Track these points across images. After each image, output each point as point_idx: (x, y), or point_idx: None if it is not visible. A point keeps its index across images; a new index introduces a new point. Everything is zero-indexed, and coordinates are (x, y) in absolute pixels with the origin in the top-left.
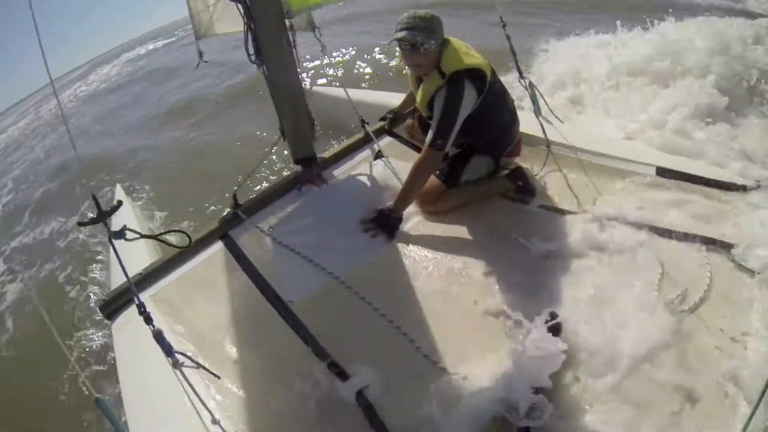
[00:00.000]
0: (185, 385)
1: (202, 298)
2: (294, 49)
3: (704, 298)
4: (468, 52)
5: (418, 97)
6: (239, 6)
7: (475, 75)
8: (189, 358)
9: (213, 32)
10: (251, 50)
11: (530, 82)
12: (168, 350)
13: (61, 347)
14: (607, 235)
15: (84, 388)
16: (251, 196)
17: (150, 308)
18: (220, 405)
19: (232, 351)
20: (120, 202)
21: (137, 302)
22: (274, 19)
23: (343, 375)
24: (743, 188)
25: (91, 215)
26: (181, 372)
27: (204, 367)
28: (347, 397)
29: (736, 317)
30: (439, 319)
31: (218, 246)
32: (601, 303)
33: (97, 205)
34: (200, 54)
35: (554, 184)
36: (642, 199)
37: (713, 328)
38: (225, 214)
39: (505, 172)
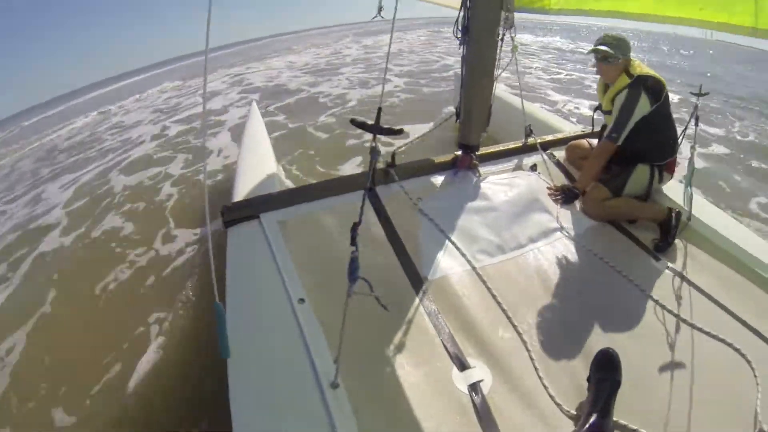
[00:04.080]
0: (308, 319)
1: (328, 240)
2: (501, 42)
3: None
4: (650, 70)
5: (605, 96)
6: None
7: (654, 83)
8: (370, 285)
9: None
10: (459, 27)
11: (690, 158)
12: (351, 274)
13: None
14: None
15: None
16: (405, 162)
17: (273, 232)
18: (323, 352)
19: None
20: (401, 130)
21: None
22: (491, 7)
23: (461, 365)
24: None
25: (365, 120)
26: (346, 298)
27: (378, 299)
28: (460, 386)
29: None
30: (561, 344)
31: (359, 195)
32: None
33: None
34: (380, 9)
35: (685, 255)
36: None
37: None
38: (376, 168)
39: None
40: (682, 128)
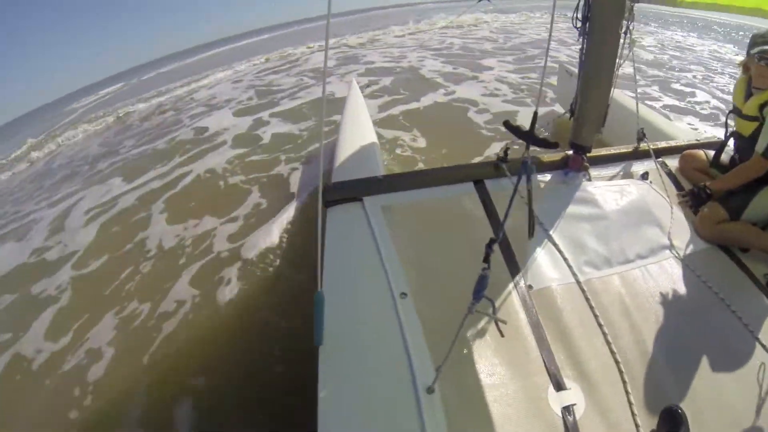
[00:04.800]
0: (409, 316)
1: (434, 232)
2: (624, 35)
3: None
4: None
5: (752, 100)
6: None
7: None
8: (493, 306)
9: None
10: (578, 16)
11: None
12: (477, 292)
13: None
14: None
15: None
16: (514, 157)
17: (377, 217)
18: (422, 353)
19: (448, 301)
20: (557, 144)
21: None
22: None
23: (557, 384)
24: None
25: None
26: (465, 315)
27: (497, 322)
28: (554, 407)
29: None
30: (656, 376)
31: (468, 188)
32: None
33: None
34: None
35: None
36: None
37: None
38: (486, 159)
39: None
40: None
